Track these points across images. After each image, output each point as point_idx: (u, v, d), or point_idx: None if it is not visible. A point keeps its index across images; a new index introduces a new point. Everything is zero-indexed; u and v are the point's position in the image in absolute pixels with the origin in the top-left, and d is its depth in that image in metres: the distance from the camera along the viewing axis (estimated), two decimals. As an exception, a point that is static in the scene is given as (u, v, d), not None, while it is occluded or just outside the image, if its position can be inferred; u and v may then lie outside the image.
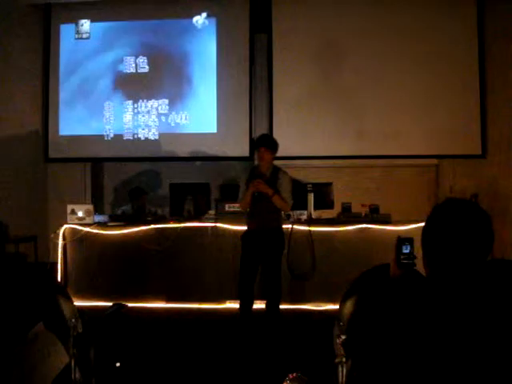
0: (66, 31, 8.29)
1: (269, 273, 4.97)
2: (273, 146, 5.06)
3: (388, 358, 1.54)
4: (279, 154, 5.16)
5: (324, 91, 7.89)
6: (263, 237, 4.94)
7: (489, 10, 7.68)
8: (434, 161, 8.06)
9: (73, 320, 2.12)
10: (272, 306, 4.96)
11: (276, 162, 5.20)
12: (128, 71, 8.22)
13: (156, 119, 8.17)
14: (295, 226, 6.07)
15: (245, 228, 5.23)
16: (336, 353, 1.93)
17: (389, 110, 7.77)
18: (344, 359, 1.84)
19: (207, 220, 6.40)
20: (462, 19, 7.77)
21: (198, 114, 8.14)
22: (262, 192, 4.90)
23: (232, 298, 5.85)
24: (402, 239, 2.13)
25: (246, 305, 4.97)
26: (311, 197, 6.32)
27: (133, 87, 8.21)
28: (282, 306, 5.05)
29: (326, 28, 7.91)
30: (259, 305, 5.13)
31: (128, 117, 8.20)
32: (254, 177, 5.01)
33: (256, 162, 5.87)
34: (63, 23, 8.30)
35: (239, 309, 5.03)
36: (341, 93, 7.89)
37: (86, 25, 8.25)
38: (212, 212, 6.53)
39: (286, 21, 7.96)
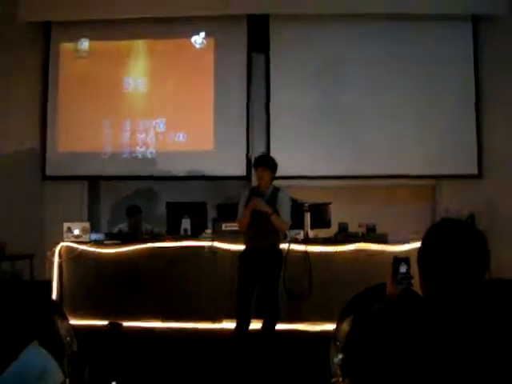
0: (65, 49, 8.33)
1: (266, 292, 4.96)
2: (271, 165, 5.08)
3: (385, 378, 1.53)
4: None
5: (321, 111, 7.91)
6: (261, 256, 4.94)
7: (484, 31, 7.80)
8: (431, 181, 8.08)
9: (68, 338, 2.11)
10: (268, 325, 4.94)
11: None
12: (126, 90, 8.24)
13: (154, 137, 8.17)
14: (292, 246, 6.07)
15: (241, 247, 5.23)
16: (333, 372, 1.92)
17: (386, 130, 7.79)
18: (341, 379, 1.83)
19: (204, 239, 6.40)
20: (459, 44, 7.84)
21: (195, 133, 8.15)
22: (260, 210, 4.90)
23: (228, 317, 5.83)
24: (399, 259, 2.13)
25: (243, 324, 4.95)
26: (308, 216, 6.34)
27: (131, 105, 8.24)
28: (278, 326, 5.03)
29: (322, 48, 7.95)
30: (256, 324, 5.11)
31: (126, 135, 8.21)
32: (253, 196, 5.02)
33: (253, 183, 5.90)
34: (63, 41, 8.34)
35: (235, 328, 5.00)
36: (338, 113, 7.92)
37: (85, 43, 8.29)
38: (209, 231, 6.53)
39: (284, 41, 8.01)
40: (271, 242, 5.02)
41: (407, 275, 2.09)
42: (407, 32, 7.89)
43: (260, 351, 4.88)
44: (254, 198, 4.96)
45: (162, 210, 7.51)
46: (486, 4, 7.65)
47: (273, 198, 5.02)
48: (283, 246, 5.64)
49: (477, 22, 7.85)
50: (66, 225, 6.54)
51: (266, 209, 4.90)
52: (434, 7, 7.62)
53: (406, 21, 7.85)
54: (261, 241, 4.97)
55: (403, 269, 2.10)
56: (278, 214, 4.96)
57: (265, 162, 5.08)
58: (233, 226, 5.99)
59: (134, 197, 8.37)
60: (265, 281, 4.95)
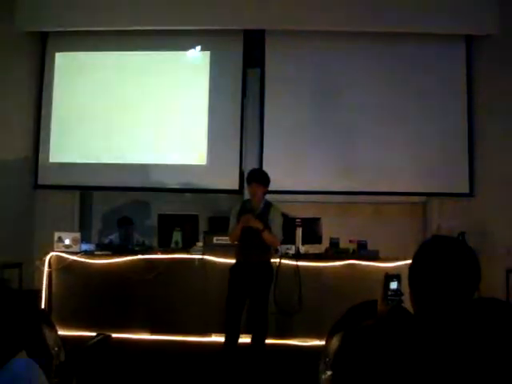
0: (61, 59, 8.33)
1: (256, 307, 4.94)
2: (265, 180, 5.08)
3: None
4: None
5: (315, 127, 7.94)
6: (252, 270, 4.93)
7: (477, 50, 7.90)
8: (422, 198, 8.11)
9: (56, 349, 2.10)
10: (258, 340, 4.92)
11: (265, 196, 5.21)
12: (121, 101, 8.23)
13: (146, 149, 8.17)
14: (283, 261, 6.05)
15: (232, 261, 5.21)
16: (321, 389, 1.91)
17: (378, 147, 7.82)
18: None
19: (195, 252, 6.37)
20: (452, 62, 7.94)
21: (188, 146, 8.15)
22: (252, 227, 4.90)
23: (217, 331, 5.80)
24: (390, 276, 2.14)
25: (232, 339, 4.93)
26: (299, 231, 6.33)
27: (125, 117, 8.22)
28: (267, 341, 5.01)
29: (317, 65, 8.00)
30: (245, 339, 5.09)
31: (119, 146, 8.19)
32: (244, 211, 5.02)
33: (246, 197, 5.90)
34: (59, 51, 8.34)
35: (224, 342, 4.97)
36: (331, 129, 7.94)
37: (81, 54, 8.30)
38: (200, 244, 6.51)
39: (279, 56, 8.06)
40: (262, 256, 5.01)
41: (398, 292, 2.09)
42: (402, 50, 7.98)
43: (249, 366, 4.85)
44: (245, 215, 4.96)
45: (153, 221, 7.49)
46: (478, 25, 7.73)
47: (265, 213, 5.01)
48: (274, 260, 5.63)
49: (470, 41, 7.94)
50: (56, 234, 6.51)
51: (258, 225, 4.90)
52: (429, 27, 7.70)
53: (402, 39, 7.94)
54: (252, 255, 4.96)
55: (394, 285, 2.10)
56: (270, 229, 4.95)
57: (258, 178, 5.08)
58: (224, 240, 5.98)
59: (126, 208, 8.34)
60: (255, 295, 4.93)
